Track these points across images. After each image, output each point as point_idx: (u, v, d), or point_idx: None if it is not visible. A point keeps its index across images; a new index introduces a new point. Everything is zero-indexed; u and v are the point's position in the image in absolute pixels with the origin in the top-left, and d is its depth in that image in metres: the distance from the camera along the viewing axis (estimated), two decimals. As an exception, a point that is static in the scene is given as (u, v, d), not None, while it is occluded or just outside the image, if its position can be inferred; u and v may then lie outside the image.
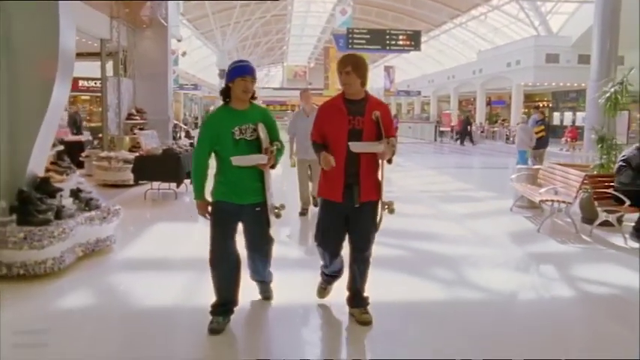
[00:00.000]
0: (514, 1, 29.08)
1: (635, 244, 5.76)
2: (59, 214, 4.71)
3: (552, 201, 6.42)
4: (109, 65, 11.59)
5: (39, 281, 4.34)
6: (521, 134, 11.54)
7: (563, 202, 6.34)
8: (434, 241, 6.04)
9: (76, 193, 5.31)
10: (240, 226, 3.55)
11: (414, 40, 21.18)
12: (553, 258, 5.41)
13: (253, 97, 3.49)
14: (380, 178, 3.47)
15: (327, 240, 3.56)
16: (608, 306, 4.19)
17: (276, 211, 3.51)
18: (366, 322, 3.53)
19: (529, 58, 29.10)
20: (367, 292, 3.63)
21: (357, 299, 3.60)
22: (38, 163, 5.24)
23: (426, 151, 22.12)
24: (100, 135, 11.71)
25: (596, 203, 6.20)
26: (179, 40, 14.84)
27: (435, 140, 28.70)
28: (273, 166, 3.47)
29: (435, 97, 45.56)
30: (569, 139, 22.39)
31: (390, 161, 3.46)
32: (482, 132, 29.82)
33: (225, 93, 3.46)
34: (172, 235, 6.19)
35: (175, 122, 13.46)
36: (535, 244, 5.91)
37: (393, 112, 46.87)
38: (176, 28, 13.63)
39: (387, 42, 21.26)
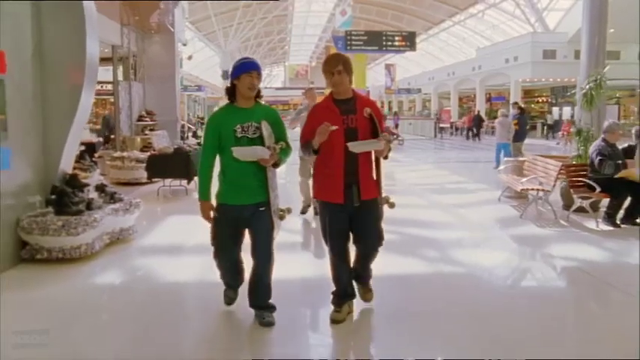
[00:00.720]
0: (510, -1, 29.62)
1: (606, 227, 6.35)
2: (89, 205, 5.35)
3: (532, 189, 7.02)
4: (119, 70, 12.23)
5: (74, 264, 4.96)
6: (499, 128, 12.31)
7: (543, 190, 6.94)
8: (424, 227, 6.63)
9: (101, 188, 5.94)
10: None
11: (409, 40, 21.91)
12: (530, 239, 6.03)
13: (258, 96, 3.49)
14: (378, 174, 3.52)
15: (335, 241, 3.53)
16: (574, 277, 4.80)
17: (281, 213, 3.50)
18: (368, 300, 3.84)
19: (526, 54, 29.68)
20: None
21: (360, 274, 3.78)
22: (67, 161, 5.86)
23: (426, 147, 22.64)
24: (112, 136, 12.33)
25: (571, 191, 6.80)
26: (184, 44, 15.46)
27: (435, 136, 29.24)
28: (276, 165, 3.41)
29: (435, 94, 46.11)
30: (565, 133, 22.95)
31: (386, 157, 3.48)
32: (481, 127, 30.30)
33: (231, 91, 3.45)
34: (185, 226, 6.72)
35: (183, 122, 14.13)
36: (516, 228, 6.52)
37: (394, 109, 47.45)
38: (182, 32, 14.25)
39: (384, 43, 21.96)
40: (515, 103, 14.60)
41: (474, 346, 3.33)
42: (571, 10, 28.79)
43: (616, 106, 20.51)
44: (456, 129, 31.31)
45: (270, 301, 3.63)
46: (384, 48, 21.97)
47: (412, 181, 11.52)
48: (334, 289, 3.66)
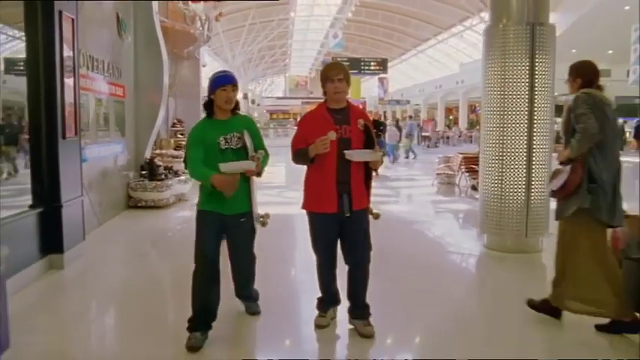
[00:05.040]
0: (483, 23, 33.37)
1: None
2: (166, 176, 8.99)
3: (442, 173, 10.68)
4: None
5: (159, 210, 8.56)
6: (389, 134, 17.07)
7: (450, 173, 10.58)
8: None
9: (169, 168, 9.58)
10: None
11: (382, 65, 25.97)
12: (431, 201, 9.79)
13: (236, 109, 3.47)
14: (368, 185, 3.52)
15: (325, 251, 3.55)
16: (440, 214, 8.50)
17: (261, 219, 3.54)
18: (369, 335, 3.50)
19: (500, 71, 33.38)
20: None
21: (358, 309, 3.60)
22: (149, 151, 9.51)
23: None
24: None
25: (467, 174, 10.44)
26: (204, 66, 19.17)
27: (419, 144, 32.86)
28: (259, 175, 3.43)
29: (425, 105, 49.77)
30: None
31: (376, 170, 3.55)
32: (459, 136, 33.95)
33: (209, 106, 3.40)
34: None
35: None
36: (428, 197, 10.22)
37: (389, 119, 51.15)
38: (203, 58, 17.97)
39: (362, 67, 26.04)
40: (410, 116, 19.74)
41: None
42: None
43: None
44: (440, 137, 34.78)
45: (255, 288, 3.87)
46: (362, 71, 26.00)
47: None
48: (320, 295, 3.70)
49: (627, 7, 25.18)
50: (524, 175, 5.47)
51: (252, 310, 3.87)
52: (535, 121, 5.40)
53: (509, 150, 5.50)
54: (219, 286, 3.50)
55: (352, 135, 3.36)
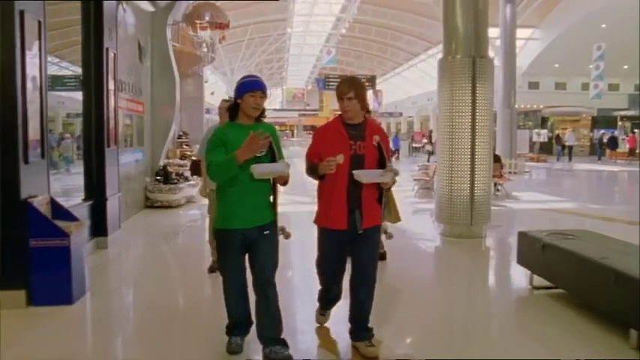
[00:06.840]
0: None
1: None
2: (178, 180, 10.41)
3: (420, 179, 12.13)
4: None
5: (172, 209, 9.97)
6: None
7: (427, 179, 12.03)
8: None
9: (180, 174, 11.00)
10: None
11: (371, 81, 27.73)
12: (410, 202, 11.16)
13: (262, 116, 3.29)
14: (381, 201, 3.44)
15: (331, 269, 3.50)
16: (417, 212, 9.90)
17: (282, 231, 3.41)
18: (373, 357, 3.34)
19: (487, 85, 34.99)
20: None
21: (361, 332, 3.45)
22: (162, 159, 10.93)
23: (394, 162, 27.73)
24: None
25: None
26: (206, 82, 20.71)
27: (410, 155, 34.40)
28: (285, 183, 3.29)
29: (418, 117, 51.36)
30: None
31: (389, 189, 3.45)
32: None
33: (233, 110, 3.26)
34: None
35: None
36: (407, 199, 11.62)
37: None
38: (205, 75, 19.49)
39: (352, 84, 27.57)
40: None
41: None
42: (524, 48, 34.25)
43: (527, 130, 25.93)
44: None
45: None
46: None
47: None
48: (321, 288, 3.67)
49: (604, 25, 26.95)
50: (469, 176, 6.91)
51: (281, 356, 3.18)
52: (477, 134, 6.85)
53: (456, 156, 6.95)
54: (248, 301, 3.37)
55: (367, 152, 3.31)
